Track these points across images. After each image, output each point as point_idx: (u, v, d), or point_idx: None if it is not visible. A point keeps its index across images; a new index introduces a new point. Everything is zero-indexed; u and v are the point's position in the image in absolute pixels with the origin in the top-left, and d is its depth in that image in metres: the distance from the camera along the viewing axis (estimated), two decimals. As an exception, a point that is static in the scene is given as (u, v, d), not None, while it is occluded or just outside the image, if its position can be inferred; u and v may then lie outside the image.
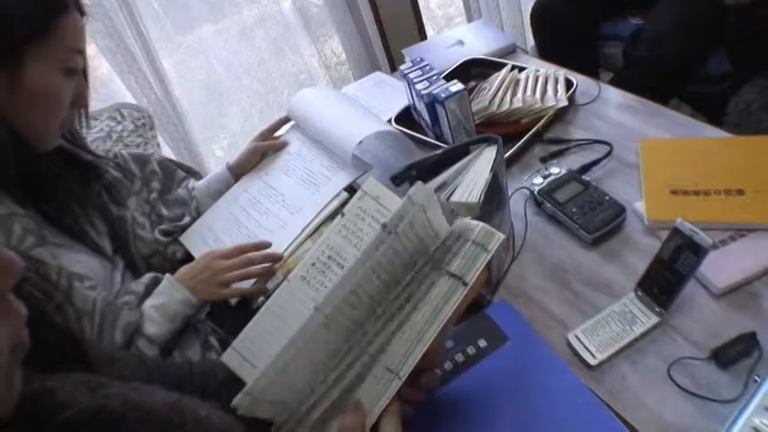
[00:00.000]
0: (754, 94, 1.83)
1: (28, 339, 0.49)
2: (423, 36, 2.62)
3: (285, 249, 1.21)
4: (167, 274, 1.15)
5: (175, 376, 0.91)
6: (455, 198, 0.98)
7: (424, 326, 0.74)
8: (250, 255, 1.18)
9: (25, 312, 0.48)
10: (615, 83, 1.94)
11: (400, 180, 1.05)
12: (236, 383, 0.91)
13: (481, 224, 0.78)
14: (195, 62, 2.48)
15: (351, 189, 1.31)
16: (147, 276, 1.18)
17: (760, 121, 1.82)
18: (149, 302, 1.11)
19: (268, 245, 1.21)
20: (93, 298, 1.02)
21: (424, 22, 2.65)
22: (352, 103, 1.44)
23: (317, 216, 1.24)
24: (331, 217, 1.26)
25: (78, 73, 1.05)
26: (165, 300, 1.11)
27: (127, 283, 1.21)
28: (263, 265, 1.18)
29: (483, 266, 0.76)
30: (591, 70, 2.26)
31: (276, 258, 1.20)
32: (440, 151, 1.06)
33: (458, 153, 1.05)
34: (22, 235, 0.97)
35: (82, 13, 1.04)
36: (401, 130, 1.51)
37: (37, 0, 0.95)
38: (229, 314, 1.21)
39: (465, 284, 0.75)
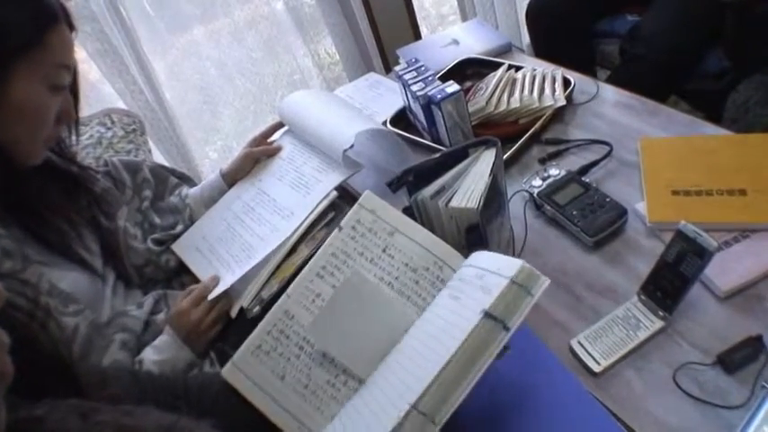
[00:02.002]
0: (752, 90, 1.81)
1: (11, 367, 0.47)
2: (417, 35, 2.60)
3: (277, 255, 1.19)
4: (168, 328, 1.13)
5: (170, 391, 0.89)
6: (454, 203, 0.96)
7: (462, 369, 0.71)
8: (210, 300, 1.17)
9: (7, 340, 0.47)
10: (612, 80, 1.91)
11: (396, 186, 1.03)
12: (232, 396, 0.89)
13: (522, 263, 0.75)
14: (187, 64, 2.46)
15: (344, 190, 1.30)
16: (147, 307, 1.16)
17: (757, 116, 1.81)
18: (151, 356, 1.08)
19: (216, 282, 1.21)
20: (75, 324, 1.00)
21: (418, 21, 2.63)
22: (343, 104, 1.42)
23: (306, 219, 1.22)
24: (323, 219, 1.25)
25: (65, 89, 1.03)
26: (167, 357, 1.09)
27: (118, 295, 1.19)
28: (220, 305, 1.18)
29: (527, 312, 0.73)
30: (587, 68, 2.24)
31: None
32: (437, 155, 1.04)
33: (456, 157, 1.03)
34: (1, 258, 0.94)
35: (71, 27, 1.02)
36: (397, 133, 1.49)
37: (27, 12, 0.93)
38: (227, 325, 1.19)
39: (507, 329, 0.73)
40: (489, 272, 0.78)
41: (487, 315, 0.72)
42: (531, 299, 0.74)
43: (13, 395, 0.49)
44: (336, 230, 0.94)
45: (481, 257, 0.84)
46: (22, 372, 0.49)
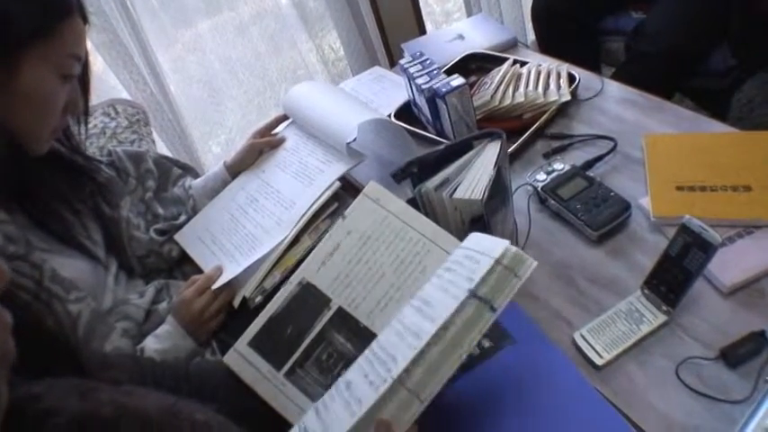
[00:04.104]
0: (757, 89, 1.81)
1: (14, 348, 0.47)
2: (422, 31, 2.60)
3: (280, 246, 1.19)
4: (170, 317, 1.13)
5: (171, 377, 0.89)
6: (458, 195, 0.96)
7: (447, 349, 0.72)
8: (213, 290, 1.17)
9: (11, 321, 0.46)
10: (617, 78, 1.91)
11: (401, 177, 1.03)
12: (233, 383, 0.89)
13: (513, 248, 0.76)
14: (192, 58, 2.46)
15: (348, 183, 1.30)
16: (149, 296, 1.17)
17: (762, 115, 1.81)
18: (152, 345, 1.08)
19: (219, 273, 1.21)
20: (77, 311, 1.00)
21: (423, 17, 2.63)
22: (347, 96, 1.42)
23: (310, 209, 1.22)
24: (326, 209, 1.25)
25: (74, 79, 1.03)
26: (168, 346, 1.09)
27: (120, 284, 1.19)
28: (224, 295, 1.18)
29: (513, 293, 0.75)
30: (593, 66, 2.24)
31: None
32: (442, 147, 1.04)
33: (461, 148, 1.03)
34: (4, 244, 0.94)
35: (85, 20, 1.03)
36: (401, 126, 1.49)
37: (41, 2, 0.94)
38: (229, 315, 1.19)
39: (493, 310, 0.74)
40: (477, 252, 0.79)
41: (473, 295, 0.74)
42: (517, 281, 0.75)
43: (16, 375, 0.49)
44: (340, 219, 0.94)
45: (473, 238, 0.85)
46: (25, 353, 0.49)
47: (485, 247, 0.78)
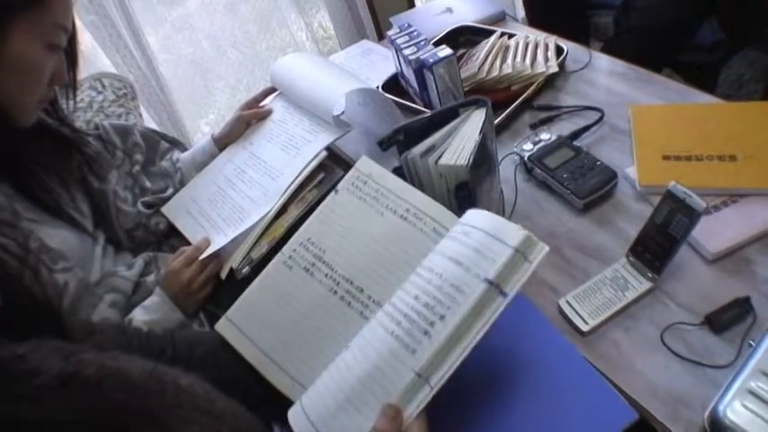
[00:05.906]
0: (745, 67, 1.81)
1: None
2: (411, 7, 2.59)
3: (267, 216, 1.19)
4: (158, 289, 1.12)
5: (158, 347, 0.89)
6: (444, 161, 0.96)
7: (456, 333, 0.70)
8: (201, 260, 1.16)
9: None
10: (606, 52, 1.91)
11: (387, 144, 1.02)
12: (222, 352, 0.89)
13: (524, 231, 0.73)
14: (181, 37, 2.44)
15: (336, 156, 1.29)
16: (137, 268, 1.16)
17: (751, 93, 1.81)
18: (140, 316, 1.08)
19: (208, 243, 1.20)
20: (64, 281, 1.00)
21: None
22: (334, 66, 1.41)
23: (296, 179, 1.22)
24: (313, 180, 1.25)
25: (60, 50, 1.02)
26: (157, 317, 1.09)
27: (108, 257, 1.19)
28: (212, 266, 1.18)
29: (525, 279, 0.71)
30: (582, 41, 2.23)
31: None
32: (428, 114, 1.04)
33: (446, 116, 1.02)
34: None
35: None
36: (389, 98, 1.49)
37: None
38: (217, 287, 1.19)
39: (504, 295, 0.71)
40: (490, 236, 0.75)
41: (489, 283, 0.71)
42: (529, 265, 0.72)
43: (1, 336, 0.49)
44: (333, 193, 0.94)
45: (479, 217, 0.81)
46: (11, 317, 0.49)
47: (496, 230, 0.75)
